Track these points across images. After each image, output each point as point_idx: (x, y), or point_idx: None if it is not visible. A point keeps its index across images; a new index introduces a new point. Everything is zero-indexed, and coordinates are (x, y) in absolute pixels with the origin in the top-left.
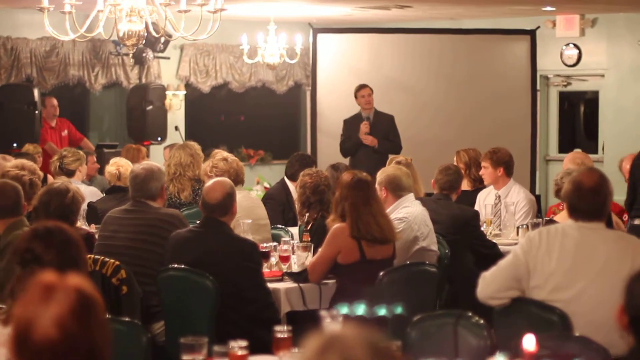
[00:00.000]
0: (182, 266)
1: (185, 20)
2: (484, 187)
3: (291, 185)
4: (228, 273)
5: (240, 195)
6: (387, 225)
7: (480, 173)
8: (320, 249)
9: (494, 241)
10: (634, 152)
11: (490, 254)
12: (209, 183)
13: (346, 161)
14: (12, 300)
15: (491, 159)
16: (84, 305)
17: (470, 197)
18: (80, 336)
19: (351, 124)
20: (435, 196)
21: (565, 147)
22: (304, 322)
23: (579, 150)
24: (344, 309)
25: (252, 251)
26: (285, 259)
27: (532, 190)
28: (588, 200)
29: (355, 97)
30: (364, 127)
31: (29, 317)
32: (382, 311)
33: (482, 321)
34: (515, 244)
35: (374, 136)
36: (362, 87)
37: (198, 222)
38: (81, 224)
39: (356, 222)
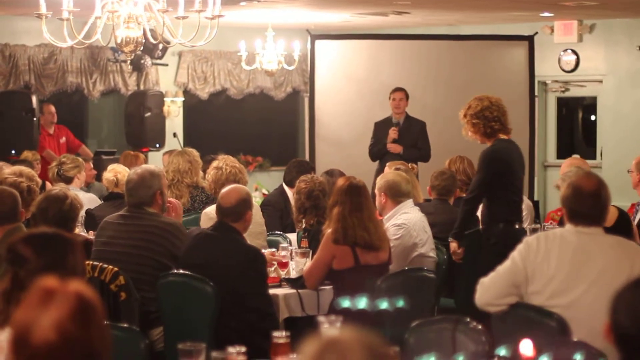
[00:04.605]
0: (182, 272)
1: (183, 27)
2: None
3: (289, 192)
4: (231, 279)
5: None
6: (376, 232)
7: None
8: (315, 255)
9: None
10: (632, 158)
11: None
12: (226, 188)
13: (362, 165)
14: (3, 302)
15: None
16: (83, 310)
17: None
18: (79, 340)
19: (381, 128)
20: (434, 201)
21: (563, 153)
22: (302, 328)
23: (577, 155)
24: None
25: (257, 259)
26: (283, 265)
27: (531, 196)
28: (588, 205)
29: (390, 99)
30: (392, 133)
31: (28, 320)
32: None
33: (480, 326)
34: None
35: (402, 142)
36: (395, 90)
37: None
38: (79, 230)
39: (343, 227)
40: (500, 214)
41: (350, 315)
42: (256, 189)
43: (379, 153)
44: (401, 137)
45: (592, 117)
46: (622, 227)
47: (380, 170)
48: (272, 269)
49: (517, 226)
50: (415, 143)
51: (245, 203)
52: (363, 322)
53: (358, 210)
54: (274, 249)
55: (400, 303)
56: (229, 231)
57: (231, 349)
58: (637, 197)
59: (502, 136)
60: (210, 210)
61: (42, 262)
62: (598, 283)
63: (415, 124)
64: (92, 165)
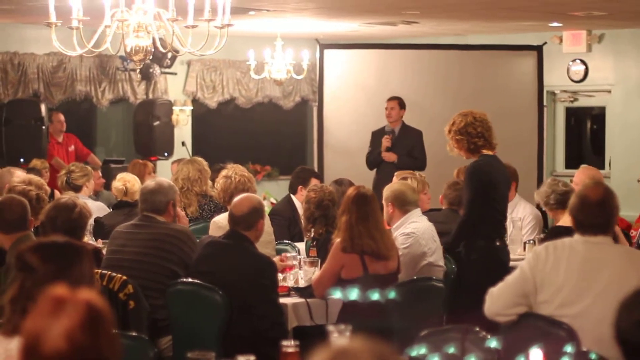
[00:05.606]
0: (191, 280)
1: (193, 36)
2: None
3: (297, 201)
4: (241, 287)
5: None
6: (383, 241)
7: None
8: (324, 264)
9: None
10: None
11: None
12: (239, 197)
13: (371, 174)
14: (10, 310)
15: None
16: (93, 319)
17: None
18: (89, 349)
19: (376, 136)
20: (444, 211)
21: (572, 162)
22: (311, 337)
23: (586, 165)
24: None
25: (268, 268)
26: (289, 268)
27: (539, 205)
28: (595, 214)
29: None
30: (385, 141)
31: (38, 329)
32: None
33: (489, 336)
34: (523, 259)
35: (397, 151)
36: (389, 99)
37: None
38: (88, 239)
39: (350, 236)
40: (481, 231)
41: (358, 325)
42: (264, 198)
43: (374, 161)
44: (396, 146)
45: (601, 127)
46: None
47: (378, 180)
48: (282, 276)
49: (498, 243)
50: (411, 152)
51: (257, 212)
52: (371, 331)
53: (364, 219)
54: (281, 254)
55: (392, 294)
56: (240, 239)
57: (240, 358)
58: None
59: (487, 152)
60: (219, 218)
61: (50, 271)
62: (606, 293)
63: (411, 132)
64: (100, 174)
